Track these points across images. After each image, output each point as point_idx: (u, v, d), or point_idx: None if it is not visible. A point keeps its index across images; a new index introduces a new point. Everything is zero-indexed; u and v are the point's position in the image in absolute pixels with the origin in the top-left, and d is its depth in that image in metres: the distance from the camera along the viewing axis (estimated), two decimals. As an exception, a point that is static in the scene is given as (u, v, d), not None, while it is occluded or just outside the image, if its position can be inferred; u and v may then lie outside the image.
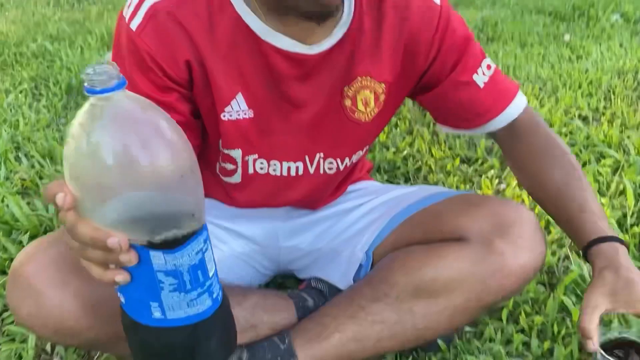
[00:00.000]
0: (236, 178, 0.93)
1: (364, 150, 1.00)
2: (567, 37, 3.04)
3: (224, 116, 0.83)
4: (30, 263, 0.75)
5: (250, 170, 0.91)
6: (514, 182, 1.46)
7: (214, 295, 0.56)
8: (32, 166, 1.67)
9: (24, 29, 3.51)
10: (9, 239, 1.29)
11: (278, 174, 0.92)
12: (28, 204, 1.43)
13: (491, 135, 0.98)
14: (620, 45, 2.82)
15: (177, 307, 0.53)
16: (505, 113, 0.92)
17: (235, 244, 1.03)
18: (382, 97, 0.89)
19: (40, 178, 1.59)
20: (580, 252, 0.88)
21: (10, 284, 0.76)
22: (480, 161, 1.62)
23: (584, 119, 1.89)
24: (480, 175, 1.54)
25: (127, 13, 0.77)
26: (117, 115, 0.45)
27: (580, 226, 0.87)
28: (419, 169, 1.60)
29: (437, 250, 0.86)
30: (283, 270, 1.12)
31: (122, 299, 0.55)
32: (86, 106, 0.46)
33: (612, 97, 2.05)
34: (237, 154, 0.89)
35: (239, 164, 0.90)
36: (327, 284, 1.01)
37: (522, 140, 0.94)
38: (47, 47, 2.97)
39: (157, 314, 0.53)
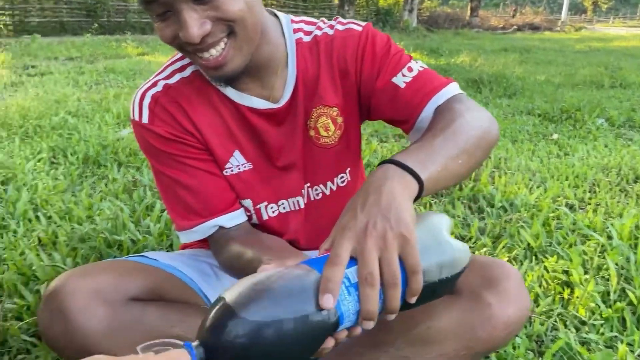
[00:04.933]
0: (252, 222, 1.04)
1: (347, 172, 1.06)
2: (555, 136, 3.25)
3: (227, 172, 0.97)
4: (64, 289, 0.83)
5: (265, 217, 1.02)
6: (505, 259, 1.55)
7: None
8: (49, 225, 1.76)
9: (44, 105, 3.72)
10: (27, 288, 1.35)
11: (288, 209, 1.03)
12: (49, 255, 1.51)
13: None
14: (605, 146, 3.01)
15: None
16: (427, 108, 0.90)
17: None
18: (339, 119, 1.00)
19: (56, 237, 1.67)
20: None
21: (43, 306, 0.84)
22: (473, 239, 1.73)
23: (571, 207, 2.02)
24: (474, 252, 1.63)
25: (134, 116, 0.93)
26: None
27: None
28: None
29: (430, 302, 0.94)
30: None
31: None
32: None
33: (597, 189, 2.19)
34: (247, 203, 1.01)
35: (252, 212, 1.01)
36: None
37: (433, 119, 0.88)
38: (69, 120, 3.15)
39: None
